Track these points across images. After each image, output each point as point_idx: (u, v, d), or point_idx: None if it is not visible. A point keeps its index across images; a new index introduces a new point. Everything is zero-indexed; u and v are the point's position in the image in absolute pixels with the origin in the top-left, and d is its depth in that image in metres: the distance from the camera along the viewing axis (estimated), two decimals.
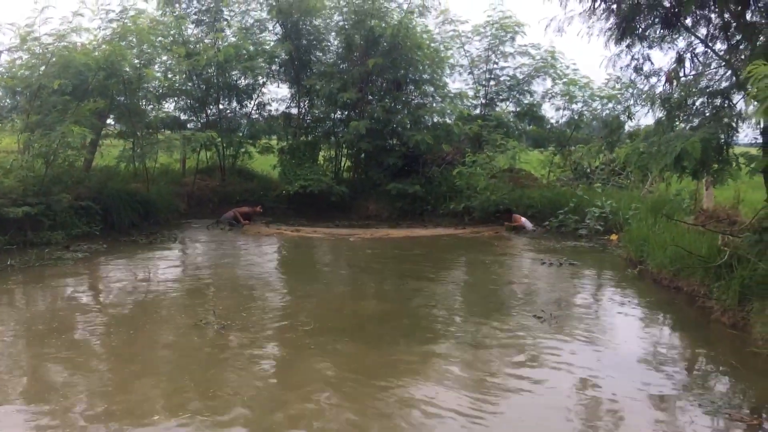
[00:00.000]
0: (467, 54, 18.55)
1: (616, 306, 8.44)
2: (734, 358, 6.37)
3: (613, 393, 5.39)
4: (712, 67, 8.85)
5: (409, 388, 5.43)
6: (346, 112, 17.81)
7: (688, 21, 8.85)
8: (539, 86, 18.61)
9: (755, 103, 5.40)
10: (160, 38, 15.22)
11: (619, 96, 16.73)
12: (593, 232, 14.15)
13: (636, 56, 9.39)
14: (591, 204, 14.70)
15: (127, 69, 12.98)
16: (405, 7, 16.59)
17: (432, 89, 17.60)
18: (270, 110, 18.81)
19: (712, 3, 8.38)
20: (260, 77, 17.83)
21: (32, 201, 10.92)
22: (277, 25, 17.53)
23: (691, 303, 8.33)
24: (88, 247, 11.05)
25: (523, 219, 15.01)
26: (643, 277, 9.91)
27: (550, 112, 19.13)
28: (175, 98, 16.99)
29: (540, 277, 10.19)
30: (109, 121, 14.70)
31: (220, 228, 14.40)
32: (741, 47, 8.44)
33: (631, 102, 10.53)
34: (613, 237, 13.55)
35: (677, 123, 8.52)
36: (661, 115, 8.93)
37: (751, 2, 8.14)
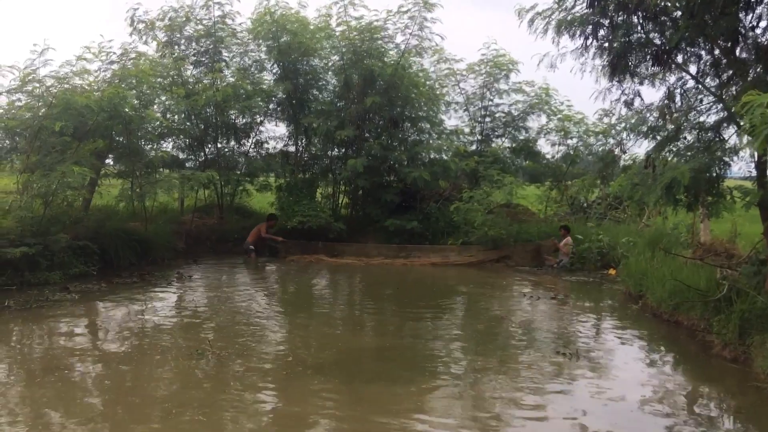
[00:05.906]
0: (462, 91, 18.84)
1: (617, 341, 8.39)
2: (736, 393, 6.32)
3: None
4: (702, 102, 9.01)
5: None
6: (344, 150, 17.96)
7: (679, 58, 9.04)
8: (534, 122, 18.94)
9: (747, 137, 5.42)
10: (159, 79, 15.42)
11: (612, 130, 16.99)
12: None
13: (626, 91, 9.58)
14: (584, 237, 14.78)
15: (128, 110, 13.12)
16: (402, 47, 16.85)
17: (428, 126, 17.77)
18: (268, 148, 18.89)
19: (701, 41, 8.57)
20: (258, 116, 18.03)
21: (30, 241, 10.88)
22: (275, 65, 17.78)
23: (692, 337, 8.29)
24: (86, 287, 10.98)
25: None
26: (643, 312, 9.88)
27: (545, 147, 19.38)
28: (174, 137, 17.11)
29: (540, 311, 10.14)
30: (108, 160, 14.78)
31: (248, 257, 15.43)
32: (731, 83, 8.61)
33: (624, 135, 10.67)
34: (612, 271, 13.56)
35: (670, 157, 8.63)
36: (651, 148, 9.07)
37: (740, 39, 8.32)
